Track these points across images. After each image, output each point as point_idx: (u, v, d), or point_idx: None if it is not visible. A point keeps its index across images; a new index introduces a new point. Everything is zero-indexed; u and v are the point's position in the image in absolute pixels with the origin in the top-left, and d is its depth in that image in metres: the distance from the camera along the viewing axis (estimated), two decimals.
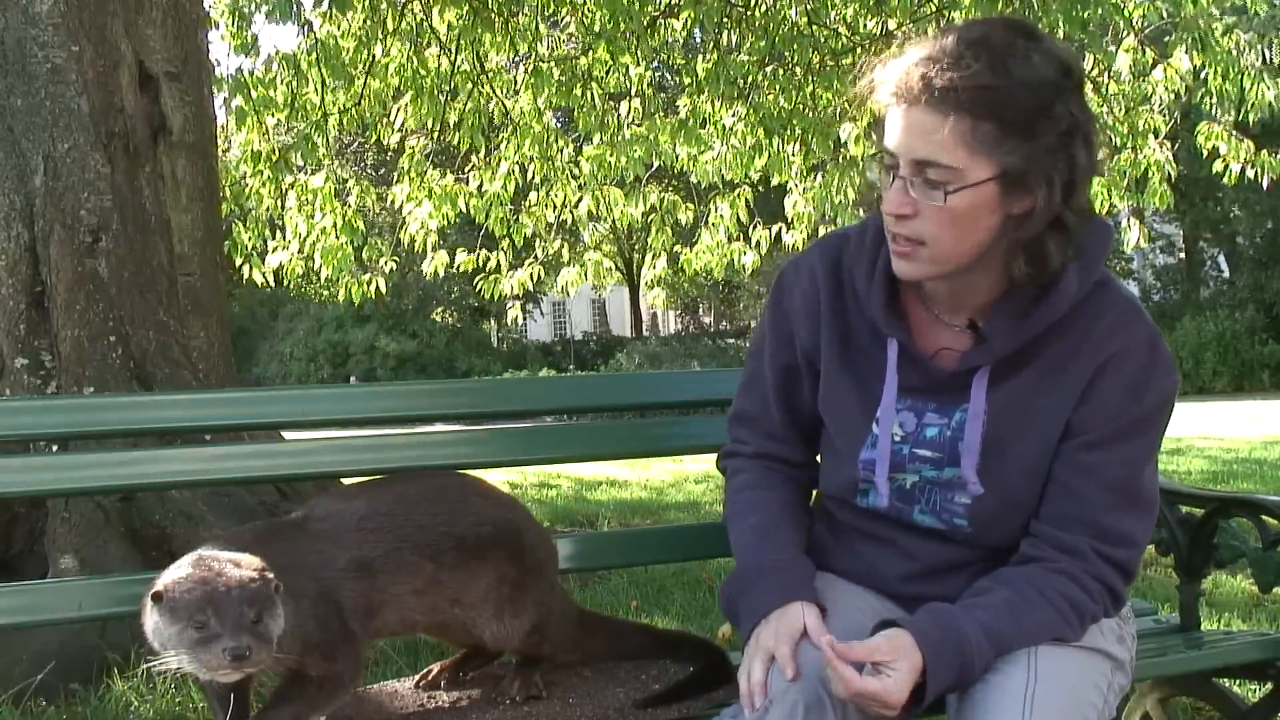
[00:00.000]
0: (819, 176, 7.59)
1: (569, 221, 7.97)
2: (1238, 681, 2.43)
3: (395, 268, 8.21)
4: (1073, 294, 1.48)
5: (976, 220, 1.42)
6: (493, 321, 31.89)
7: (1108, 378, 1.49)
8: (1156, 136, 7.24)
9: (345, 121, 7.14)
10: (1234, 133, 7.04)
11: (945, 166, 1.39)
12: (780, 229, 7.97)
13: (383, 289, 7.70)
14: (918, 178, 1.42)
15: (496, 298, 8.26)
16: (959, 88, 1.37)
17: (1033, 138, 1.38)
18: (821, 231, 7.67)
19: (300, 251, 7.31)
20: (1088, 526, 1.50)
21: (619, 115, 7.51)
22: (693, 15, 6.91)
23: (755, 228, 8.07)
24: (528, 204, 7.93)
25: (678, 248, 8.51)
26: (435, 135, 7.44)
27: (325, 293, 7.78)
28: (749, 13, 7.02)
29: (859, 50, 6.78)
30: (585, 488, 7.81)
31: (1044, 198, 1.40)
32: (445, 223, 7.57)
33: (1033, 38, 1.41)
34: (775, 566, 1.57)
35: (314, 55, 6.64)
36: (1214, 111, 6.88)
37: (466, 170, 7.76)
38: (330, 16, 6.44)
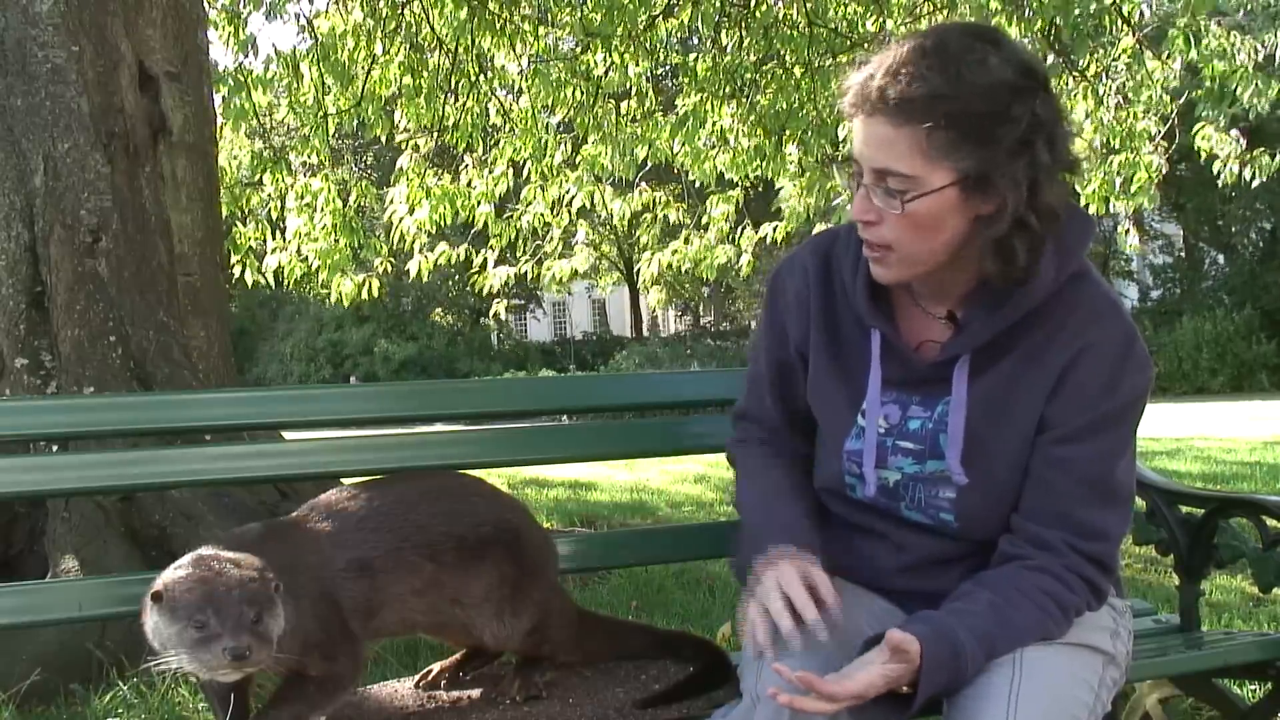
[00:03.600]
0: (809, 173, 7.63)
1: (566, 220, 8.00)
2: (1238, 681, 2.43)
3: (391, 268, 8.22)
4: (1049, 283, 1.49)
5: (939, 224, 1.44)
6: (493, 322, 31.92)
7: (1081, 371, 1.51)
8: (1151, 139, 7.26)
9: (344, 121, 7.15)
10: (1230, 132, 7.05)
11: (902, 175, 1.42)
12: (769, 231, 8.00)
13: (374, 290, 7.71)
14: (878, 186, 1.44)
15: (487, 293, 8.28)
16: (911, 98, 1.39)
17: (990, 142, 1.40)
18: (818, 227, 7.72)
19: (298, 253, 7.32)
20: (1062, 521, 1.51)
21: (618, 114, 7.52)
22: (691, 15, 6.92)
23: (743, 230, 8.12)
24: (524, 201, 7.95)
25: (674, 246, 8.54)
26: (434, 137, 7.45)
27: (322, 291, 7.76)
28: (748, 12, 7.03)
29: (858, 50, 6.79)
30: (584, 488, 7.81)
31: (1010, 199, 1.41)
32: (442, 223, 7.59)
33: (991, 41, 1.43)
34: (785, 524, 1.59)
35: (313, 55, 6.64)
36: (1208, 111, 6.89)
37: (459, 168, 7.78)
38: (330, 11, 6.45)
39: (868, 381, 1.59)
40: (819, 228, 7.73)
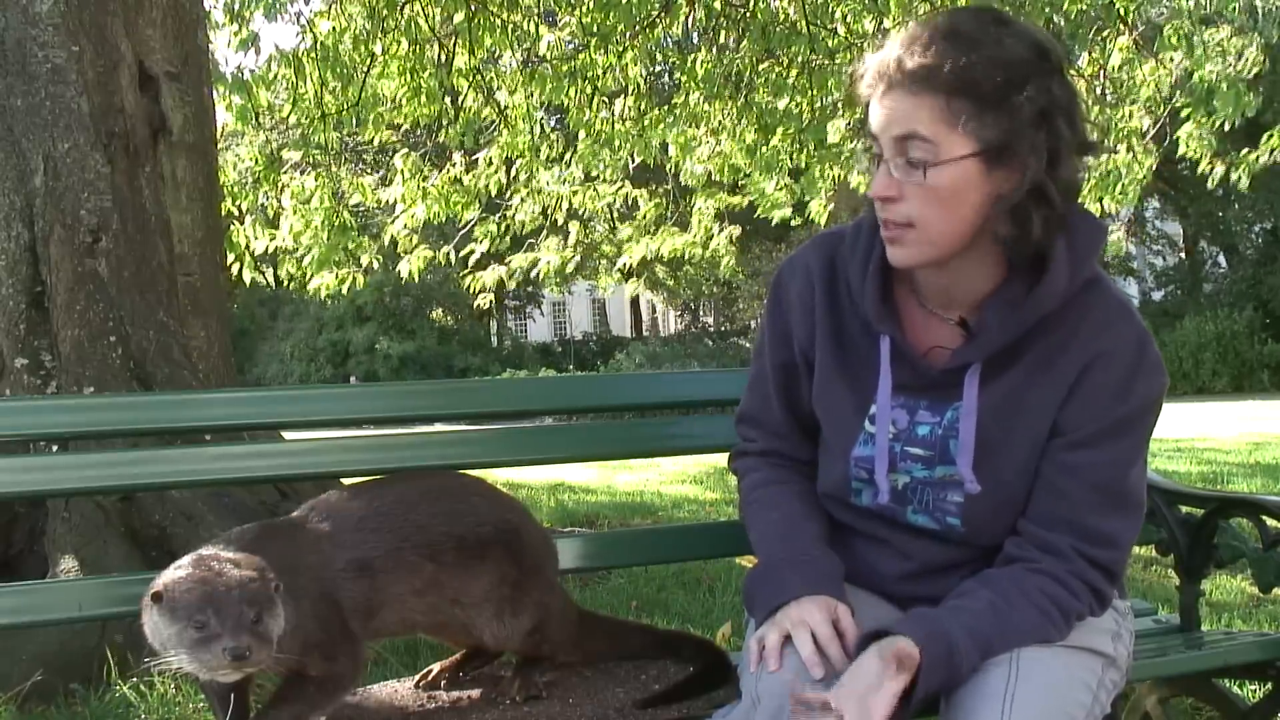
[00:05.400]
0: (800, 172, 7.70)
1: (559, 221, 8.07)
2: (1238, 681, 2.43)
3: (378, 265, 8.31)
4: (1062, 290, 1.48)
5: (961, 198, 1.43)
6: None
7: (1094, 377, 1.50)
8: (1142, 138, 7.29)
9: (343, 121, 7.18)
10: (1210, 135, 7.08)
11: (924, 140, 1.41)
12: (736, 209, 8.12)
13: (358, 283, 7.78)
14: (900, 158, 1.43)
15: (477, 290, 8.35)
16: (930, 66, 1.40)
17: (1010, 113, 1.40)
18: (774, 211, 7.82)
19: (293, 252, 7.39)
20: (1070, 527, 1.50)
21: (612, 113, 7.56)
22: (690, 15, 6.93)
23: (723, 227, 8.21)
24: (516, 194, 8.01)
25: (656, 239, 8.60)
26: (430, 135, 7.52)
27: (314, 290, 7.83)
28: (746, 12, 7.04)
29: (854, 49, 6.84)
30: (584, 488, 7.82)
31: (1030, 169, 1.41)
32: (436, 221, 7.65)
33: (1003, 23, 1.44)
34: (802, 559, 1.57)
35: (314, 54, 6.66)
36: (1196, 114, 6.94)
37: (450, 165, 7.81)
38: (330, 11, 6.48)
39: (875, 386, 1.58)
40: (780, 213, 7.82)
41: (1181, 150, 7.24)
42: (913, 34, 1.43)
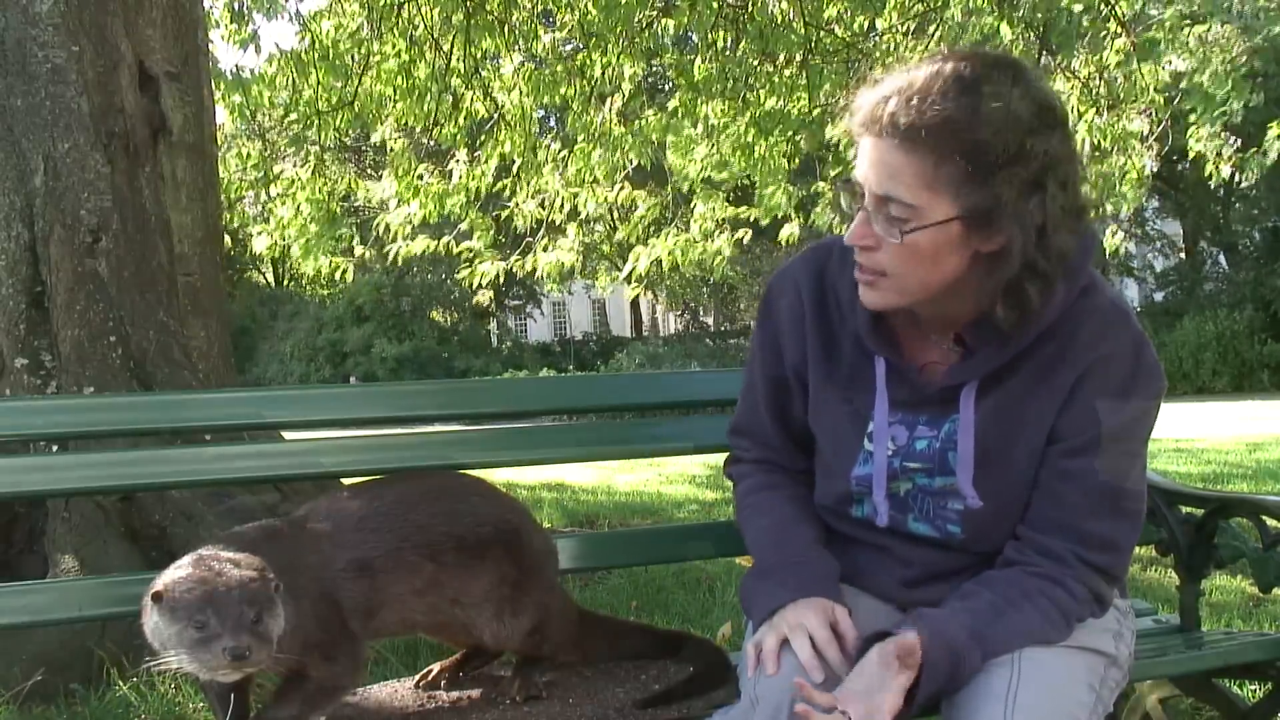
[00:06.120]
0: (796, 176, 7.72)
1: (558, 218, 8.09)
2: (1238, 681, 2.42)
3: (374, 262, 8.46)
4: (1059, 304, 1.46)
5: (939, 257, 1.41)
6: (493, 321, 31.90)
7: (1092, 383, 1.48)
8: (1142, 140, 7.30)
9: (340, 121, 7.20)
10: (1224, 134, 7.08)
11: (905, 204, 1.38)
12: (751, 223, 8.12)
13: (348, 275, 7.87)
14: (879, 212, 1.41)
15: (475, 286, 8.39)
16: (923, 127, 1.35)
17: (1000, 179, 1.35)
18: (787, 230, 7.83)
19: (281, 240, 7.49)
20: (1069, 532, 1.49)
21: (608, 114, 7.57)
22: (690, 16, 6.94)
23: (724, 228, 8.23)
24: (511, 195, 8.03)
25: (665, 243, 8.61)
26: (427, 134, 7.56)
27: (312, 288, 7.99)
28: (745, 14, 7.04)
29: (850, 49, 6.84)
30: (583, 488, 7.81)
31: (1016, 240, 1.37)
32: (430, 219, 7.69)
33: (1011, 74, 1.38)
34: (797, 562, 1.57)
35: (313, 52, 6.68)
36: (1197, 115, 6.95)
37: (449, 164, 7.84)
38: (329, 10, 6.52)
39: (871, 403, 1.56)
40: (787, 229, 7.83)
41: (1191, 150, 7.23)
42: (912, 83, 1.38)
